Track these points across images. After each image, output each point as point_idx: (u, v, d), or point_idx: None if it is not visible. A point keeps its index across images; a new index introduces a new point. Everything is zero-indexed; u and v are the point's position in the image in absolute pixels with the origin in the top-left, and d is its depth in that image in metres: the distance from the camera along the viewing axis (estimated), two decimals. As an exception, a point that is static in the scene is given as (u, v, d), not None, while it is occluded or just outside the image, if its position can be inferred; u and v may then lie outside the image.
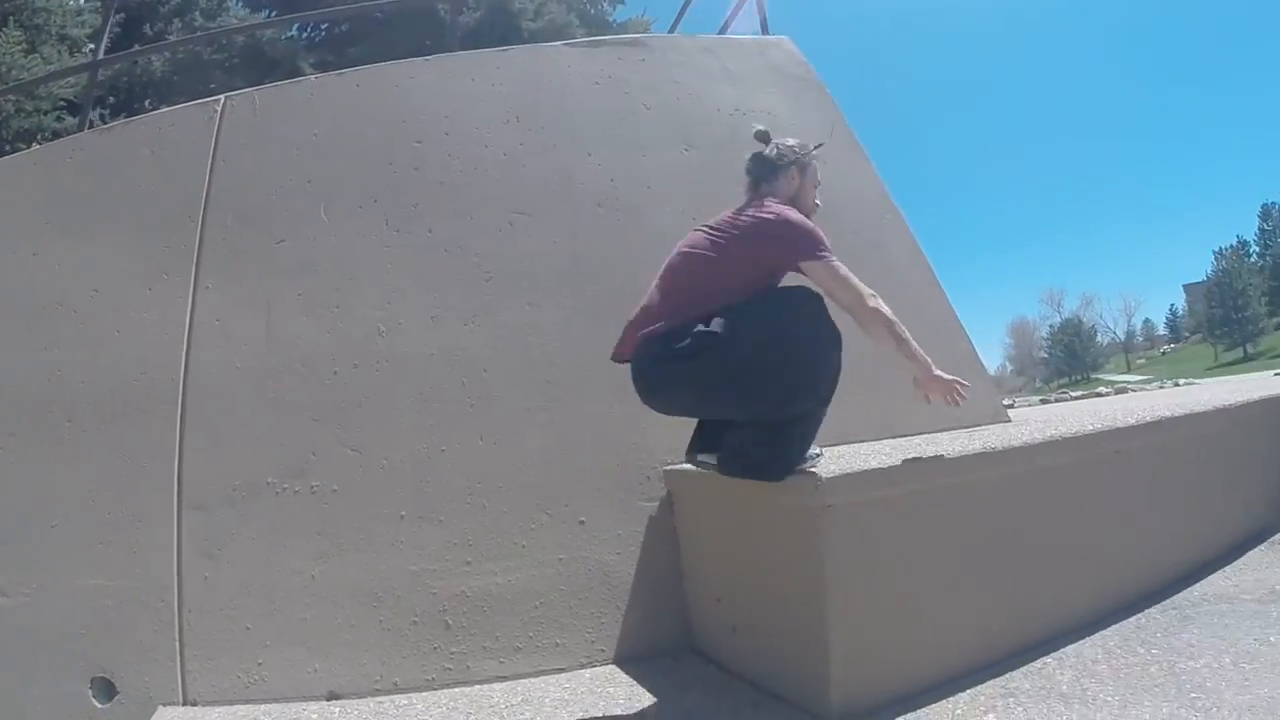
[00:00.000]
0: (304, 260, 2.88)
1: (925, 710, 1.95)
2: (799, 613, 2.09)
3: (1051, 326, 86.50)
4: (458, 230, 2.94)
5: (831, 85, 3.94)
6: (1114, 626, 2.42)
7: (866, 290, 2.10)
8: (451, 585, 2.52)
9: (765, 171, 2.33)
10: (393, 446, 2.65)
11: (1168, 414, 2.93)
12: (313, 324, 2.80)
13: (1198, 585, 2.79)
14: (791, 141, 2.37)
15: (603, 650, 2.52)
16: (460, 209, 2.97)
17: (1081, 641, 2.32)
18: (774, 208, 2.18)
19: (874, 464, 2.11)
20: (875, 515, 2.07)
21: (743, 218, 2.18)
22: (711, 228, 2.21)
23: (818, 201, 2.40)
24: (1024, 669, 2.16)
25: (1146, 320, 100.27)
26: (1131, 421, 2.77)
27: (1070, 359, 78.80)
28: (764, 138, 2.37)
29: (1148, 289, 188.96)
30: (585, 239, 3.04)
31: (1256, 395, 3.73)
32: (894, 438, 3.06)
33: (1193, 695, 1.89)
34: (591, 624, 2.54)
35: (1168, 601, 2.63)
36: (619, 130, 3.28)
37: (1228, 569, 2.96)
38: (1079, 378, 71.21)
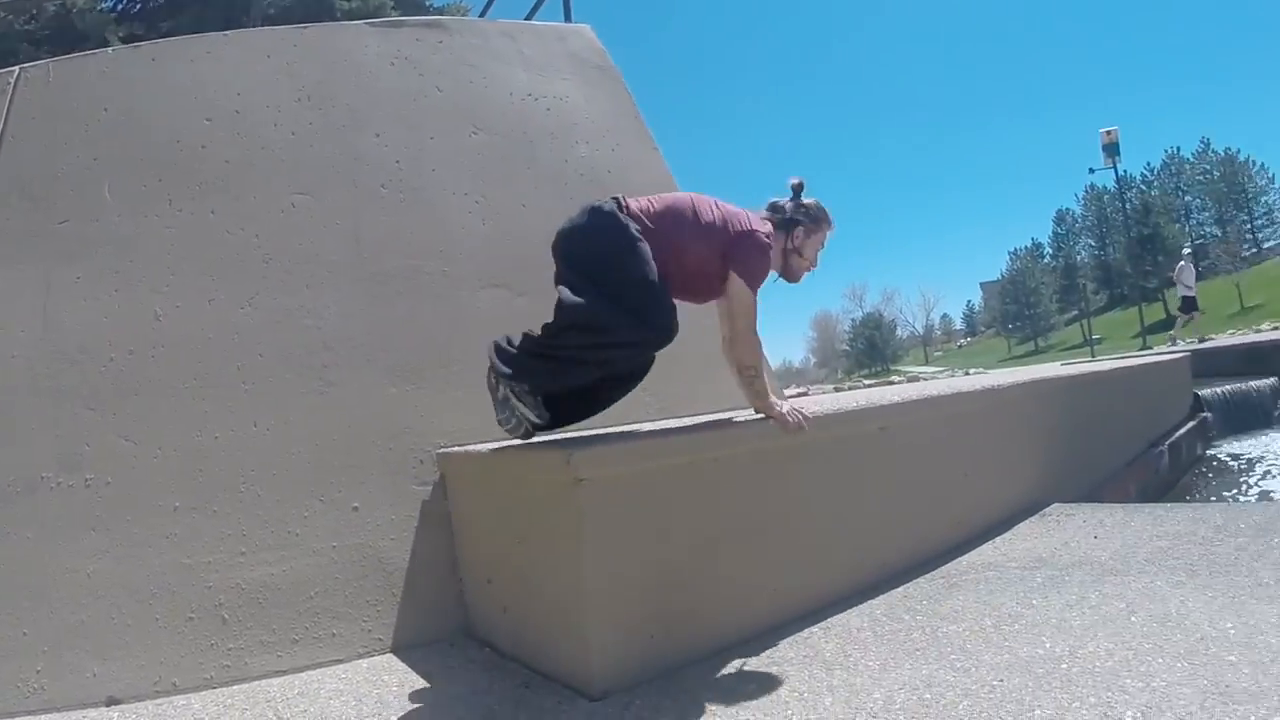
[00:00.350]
0: (85, 241, 2.70)
1: (691, 684, 1.97)
2: (561, 590, 2.09)
3: (853, 320, 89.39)
4: (239, 211, 2.81)
5: (629, 75, 4.01)
6: (882, 596, 2.50)
7: (752, 328, 2.35)
8: (227, 578, 2.42)
9: (778, 220, 2.49)
10: (167, 435, 2.52)
11: (932, 393, 3.04)
12: (90, 308, 2.63)
13: (967, 555, 2.91)
14: (809, 202, 2.51)
15: (380, 639, 2.47)
16: (243, 189, 2.84)
17: (849, 611, 2.39)
18: (761, 234, 2.34)
19: (627, 439, 2.12)
20: (633, 490, 2.06)
21: (745, 215, 2.38)
22: (718, 204, 2.39)
23: (816, 264, 2.57)
24: (790, 639, 2.21)
25: (945, 315, 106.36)
26: (896, 399, 2.86)
27: (871, 351, 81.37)
28: (796, 190, 2.51)
29: (946, 286, 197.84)
30: (367, 221, 2.96)
31: (1025, 378, 3.92)
32: (670, 418, 3.11)
33: (952, 657, 1.97)
34: (368, 613, 2.49)
35: (937, 571, 2.74)
36: (410, 112, 3.21)
37: (998, 539, 3.10)
38: (879, 369, 73.88)
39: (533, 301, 3.14)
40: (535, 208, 3.34)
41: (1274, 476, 6.38)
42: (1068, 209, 72.71)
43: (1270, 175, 58.78)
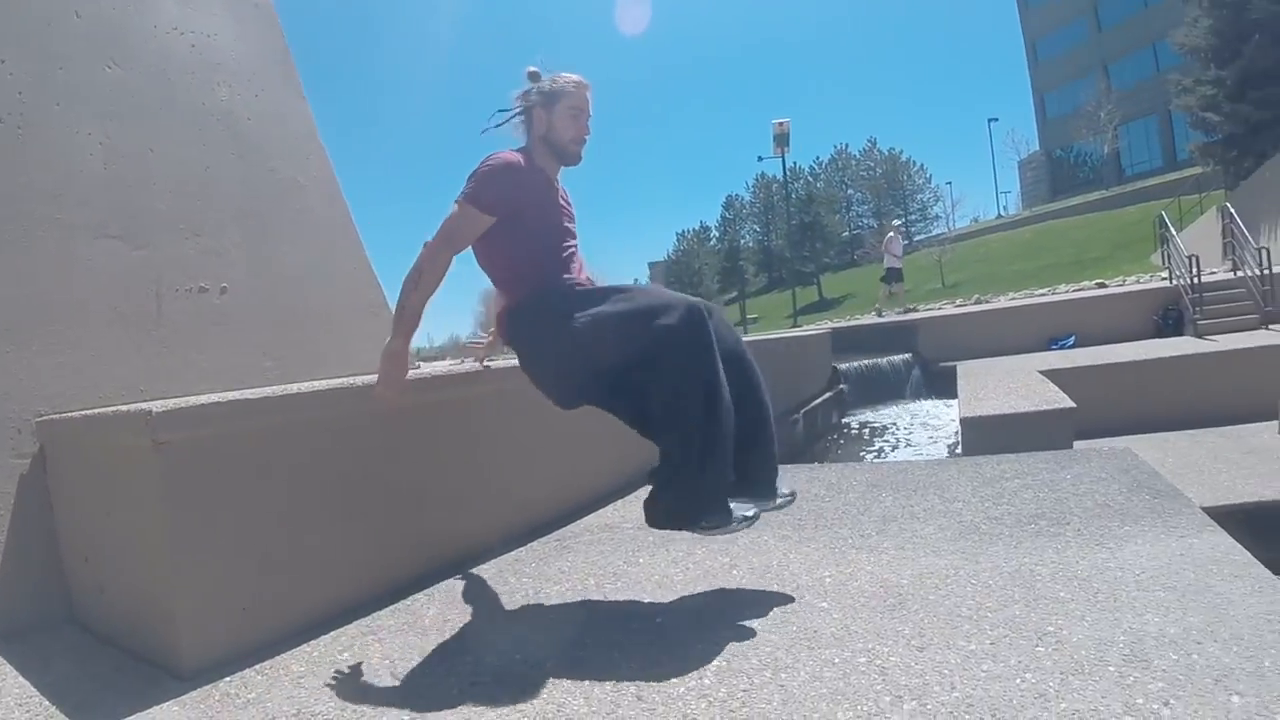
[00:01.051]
0: None
1: (284, 656, 1.96)
2: (149, 565, 1.99)
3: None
4: None
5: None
6: (493, 560, 2.63)
7: (435, 242, 2.19)
8: None
9: (524, 118, 2.38)
10: None
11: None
12: None
13: (587, 518, 3.12)
14: (541, 82, 2.35)
15: (-24, 629, 2.25)
16: None
17: (457, 577, 2.48)
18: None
19: (216, 399, 2.04)
20: (222, 455, 1.99)
21: None
22: None
23: (584, 132, 2.38)
24: (393, 607, 2.25)
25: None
26: (513, 363, 2.89)
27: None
28: (531, 79, 2.36)
29: (615, 264, 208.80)
30: (-21, 158, 2.59)
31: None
32: (293, 383, 3.04)
33: (550, 617, 2.10)
34: (-38, 601, 2.24)
35: (553, 534, 2.91)
36: (41, 37, 2.85)
37: (619, 502, 3.34)
38: (549, 345, 77.45)
39: (151, 255, 2.98)
40: (164, 153, 3.15)
41: (898, 443, 7.19)
42: (737, 195, 77.03)
43: (928, 175, 66.05)
